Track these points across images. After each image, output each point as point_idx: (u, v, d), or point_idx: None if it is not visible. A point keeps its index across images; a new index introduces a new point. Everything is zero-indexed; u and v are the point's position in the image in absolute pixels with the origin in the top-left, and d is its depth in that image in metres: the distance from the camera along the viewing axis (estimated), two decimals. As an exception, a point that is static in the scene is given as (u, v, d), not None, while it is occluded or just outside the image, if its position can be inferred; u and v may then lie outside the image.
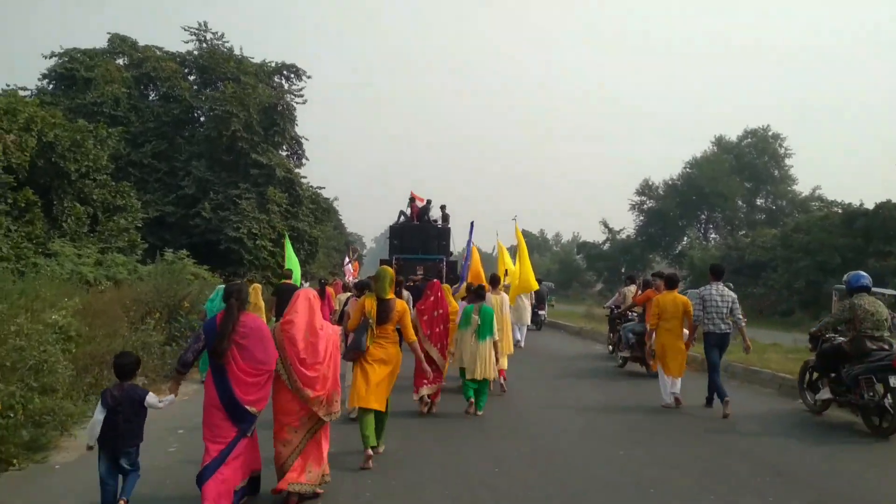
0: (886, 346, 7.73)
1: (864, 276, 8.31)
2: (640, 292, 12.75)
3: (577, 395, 10.32)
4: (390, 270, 6.68)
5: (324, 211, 28.40)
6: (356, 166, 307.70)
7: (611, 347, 14.69)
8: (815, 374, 8.82)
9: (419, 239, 22.31)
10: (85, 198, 17.88)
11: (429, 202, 23.51)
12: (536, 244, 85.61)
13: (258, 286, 12.82)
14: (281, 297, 13.38)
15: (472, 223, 16.05)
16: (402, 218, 23.64)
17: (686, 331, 9.48)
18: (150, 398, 4.86)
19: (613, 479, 6.05)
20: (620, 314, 13.92)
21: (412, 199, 23.54)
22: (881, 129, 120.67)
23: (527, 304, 15.77)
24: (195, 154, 24.85)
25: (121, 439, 4.73)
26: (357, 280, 13.29)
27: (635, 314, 13.13)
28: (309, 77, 29.29)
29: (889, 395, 7.39)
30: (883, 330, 7.88)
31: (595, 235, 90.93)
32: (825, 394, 8.40)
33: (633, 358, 12.64)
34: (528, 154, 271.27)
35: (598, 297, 45.86)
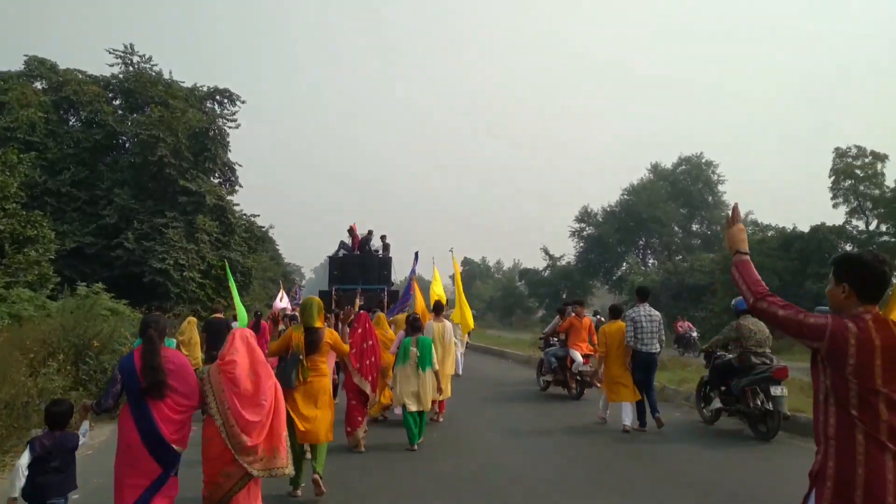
0: (768, 361, 8.82)
1: (741, 301, 8.78)
2: (560, 321, 13.32)
3: (512, 419, 10.60)
4: (317, 299, 6.52)
5: (258, 240, 27.22)
6: (294, 195, 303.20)
7: (543, 384, 13.96)
8: (708, 388, 9.77)
9: (360, 269, 21.97)
10: (-10, 228, 16.44)
11: (370, 232, 23.35)
12: (479, 271, 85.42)
13: (193, 320, 11.73)
14: (211, 333, 12.70)
15: (416, 253, 16.29)
16: (343, 248, 23.23)
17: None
18: (81, 440, 4.68)
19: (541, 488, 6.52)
20: (545, 339, 14.20)
21: (352, 230, 23.23)
22: (806, 157, 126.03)
23: (460, 333, 15.08)
24: (118, 181, 23.51)
25: (50, 490, 4.45)
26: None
27: (556, 340, 13.43)
28: (243, 102, 28.33)
29: (770, 403, 8.48)
30: (765, 347, 8.98)
31: (537, 262, 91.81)
32: (716, 404, 9.41)
33: (555, 381, 13.03)
34: (468, 187, 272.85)
35: (540, 324, 45.66)
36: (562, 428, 9.68)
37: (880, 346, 2.62)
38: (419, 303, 13.54)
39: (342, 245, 23.25)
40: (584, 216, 57.99)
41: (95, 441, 5.56)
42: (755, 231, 47.88)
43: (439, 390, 9.05)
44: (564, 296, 59.46)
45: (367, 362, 8.29)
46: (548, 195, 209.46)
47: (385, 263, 22.47)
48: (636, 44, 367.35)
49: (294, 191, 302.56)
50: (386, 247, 23.17)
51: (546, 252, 61.38)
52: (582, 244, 57.74)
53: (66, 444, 4.58)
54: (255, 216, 27.30)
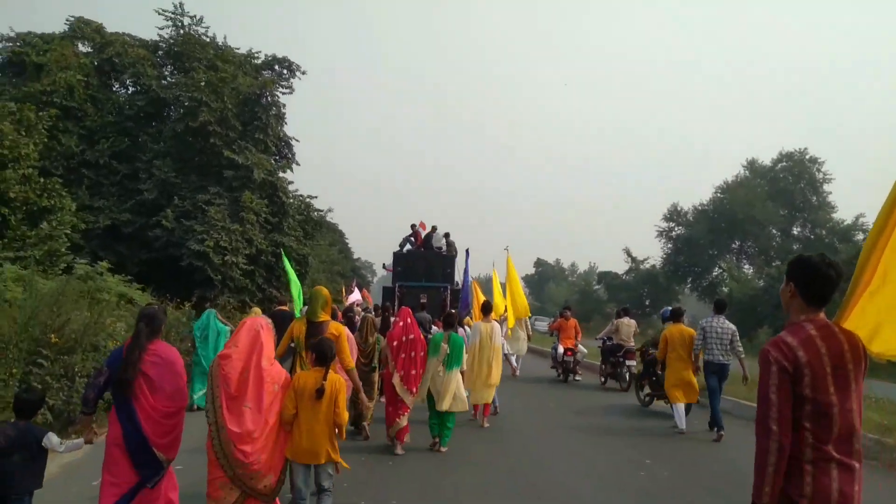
0: (626, 346, 13.39)
1: (669, 309, 11.70)
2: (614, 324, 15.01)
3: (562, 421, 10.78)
4: (324, 290, 6.20)
5: (315, 225, 24.08)
6: (363, 187, 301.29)
7: (603, 379, 15.33)
8: (642, 379, 12.41)
9: (423, 266, 21.65)
10: (-2, 195, 13.77)
11: (433, 229, 22.75)
12: (553, 273, 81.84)
13: (258, 310, 9.93)
14: (275, 326, 10.21)
15: (466, 251, 16.40)
16: (407, 245, 22.81)
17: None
18: (51, 438, 4.33)
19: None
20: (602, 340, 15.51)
21: (415, 226, 22.90)
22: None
23: (522, 334, 16.03)
24: (160, 153, 20.76)
25: (10, 484, 4.19)
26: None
27: (607, 340, 15.13)
28: (304, 73, 25.29)
29: (627, 369, 13.30)
30: (629, 339, 13.83)
31: (615, 266, 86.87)
32: (647, 390, 12.22)
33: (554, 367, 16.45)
34: (544, 183, 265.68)
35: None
36: (622, 431, 10.11)
37: (827, 355, 2.68)
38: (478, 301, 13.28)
39: (406, 241, 22.84)
40: (674, 215, 53.37)
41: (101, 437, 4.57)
42: (866, 237, 42.55)
43: (481, 396, 9.53)
44: (648, 302, 55.37)
45: (403, 356, 8.09)
46: (631, 193, 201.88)
47: (449, 261, 22.05)
48: (739, 26, 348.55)
49: (365, 178, 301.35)
50: (450, 245, 22.70)
51: (628, 254, 57.27)
52: (670, 245, 53.11)
53: (28, 437, 4.29)
54: (311, 197, 24.17)
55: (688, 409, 9.99)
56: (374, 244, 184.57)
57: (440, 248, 22.70)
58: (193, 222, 18.63)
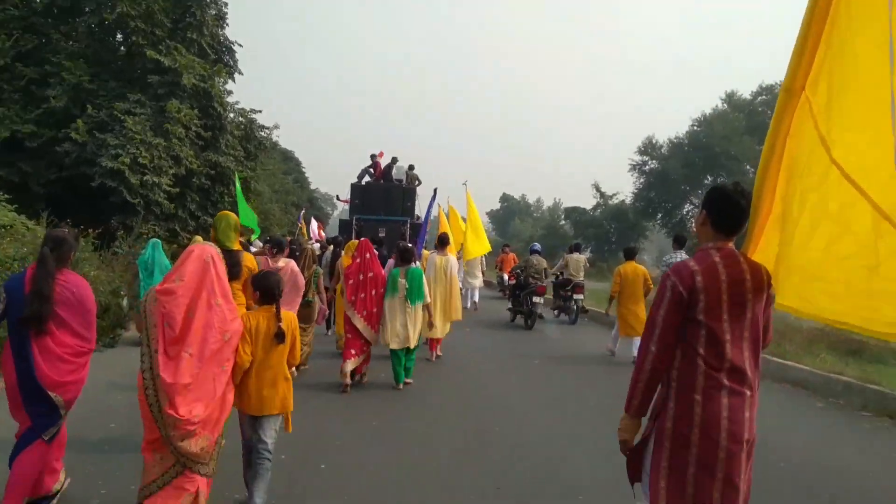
0: (537, 283, 14.23)
1: (536, 245, 16.08)
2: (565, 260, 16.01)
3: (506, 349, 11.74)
4: (231, 214, 5.44)
5: (259, 144, 21.13)
6: (323, 115, 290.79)
7: (556, 311, 16.16)
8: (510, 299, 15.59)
9: (382, 199, 21.36)
10: None
11: (393, 160, 22.37)
12: (518, 209, 79.81)
13: (199, 239, 9.07)
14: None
15: (434, 190, 16.24)
16: (366, 176, 22.18)
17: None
18: None
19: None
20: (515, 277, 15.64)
21: (374, 157, 22.24)
22: None
23: (478, 271, 17.07)
24: (73, 54, 17.53)
25: None
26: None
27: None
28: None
29: (533, 306, 14.13)
30: (540, 275, 14.46)
31: (583, 202, 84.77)
32: (555, 304, 15.97)
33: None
34: (508, 112, 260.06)
35: (587, 266, 39.67)
36: (563, 358, 10.91)
37: (726, 282, 2.68)
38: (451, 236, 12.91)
39: (365, 171, 22.10)
40: (648, 148, 50.99)
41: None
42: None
43: (430, 325, 8.73)
44: (614, 239, 53.77)
45: (362, 295, 7.89)
46: (602, 126, 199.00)
47: (409, 194, 21.66)
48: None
49: (325, 112, 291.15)
50: (413, 177, 22.26)
51: (597, 189, 54.95)
52: (642, 180, 51.01)
53: None
54: (255, 112, 21.08)
55: None
56: (334, 175, 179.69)
57: (400, 181, 22.52)
58: (109, 135, 15.66)
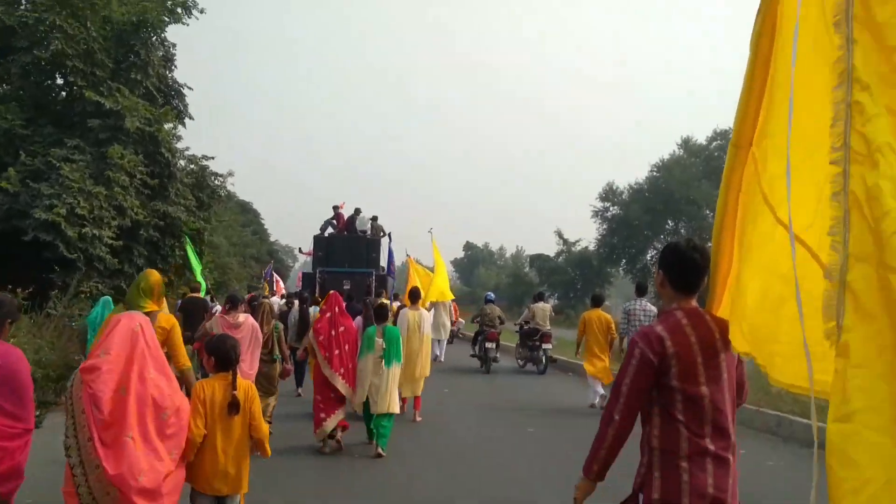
0: (490, 330, 15.42)
1: (490, 295, 18.02)
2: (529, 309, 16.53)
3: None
4: (153, 274, 4.91)
5: (212, 192, 19.75)
6: (282, 166, 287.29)
7: (521, 362, 16.16)
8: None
9: (346, 251, 20.98)
10: None
11: (356, 210, 22.13)
12: (482, 257, 79.29)
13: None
14: (186, 318, 9.73)
15: (389, 234, 16.76)
16: (329, 228, 21.85)
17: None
18: None
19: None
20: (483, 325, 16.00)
21: (337, 208, 21.95)
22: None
23: (446, 319, 16.51)
24: (5, 97, 16.12)
25: None
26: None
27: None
28: (202, 12, 20.72)
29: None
30: (493, 322, 15.60)
31: (544, 248, 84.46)
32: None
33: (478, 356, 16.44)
34: (474, 163, 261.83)
35: (553, 315, 38.89)
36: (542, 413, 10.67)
37: (697, 344, 2.61)
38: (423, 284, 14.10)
39: (328, 223, 21.76)
40: (609, 194, 51.04)
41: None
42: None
43: (409, 389, 8.88)
44: (579, 285, 53.33)
45: (337, 352, 7.56)
46: (561, 175, 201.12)
47: (374, 245, 21.41)
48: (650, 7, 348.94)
49: (287, 167, 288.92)
50: (377, 228, 21.94)
51: (559, 236, 54.75)
52: (605, 226, 50.82)
53: None
54: (207, 158, 19.71)
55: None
56: (295, 227, 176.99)
57: (364, 232, 22.21)
58: (44, 184, 14.18)
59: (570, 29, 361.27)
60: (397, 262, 22.16)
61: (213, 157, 19.63)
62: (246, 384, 3.98)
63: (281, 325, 8.29)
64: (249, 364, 6.70)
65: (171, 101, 19.11)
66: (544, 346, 14.84)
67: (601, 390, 10.56)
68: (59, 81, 16.62)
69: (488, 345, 15.26)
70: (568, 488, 4.41)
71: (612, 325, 10.85)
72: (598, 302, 11.49)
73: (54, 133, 15.74)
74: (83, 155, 14.92)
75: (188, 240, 17.83)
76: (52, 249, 14.02)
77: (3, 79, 16.74)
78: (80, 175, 14.19)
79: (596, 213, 51.27)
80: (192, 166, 19.17)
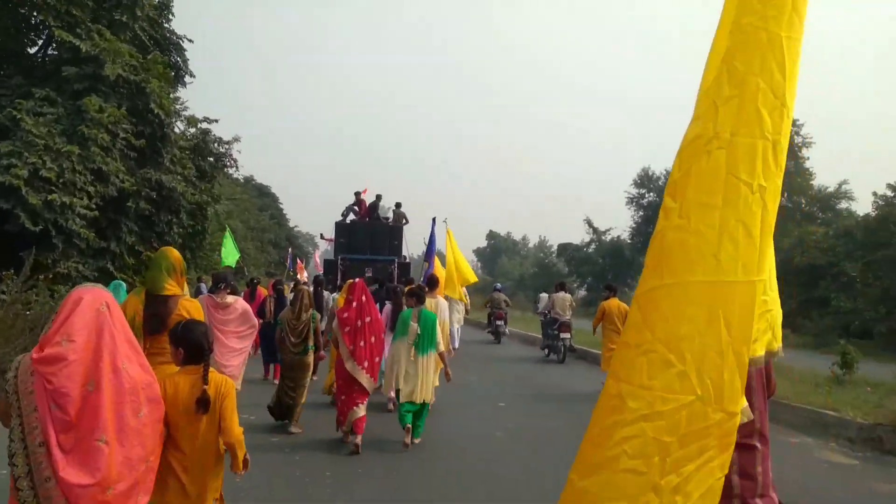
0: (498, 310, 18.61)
1: (498, 285, 22.12)
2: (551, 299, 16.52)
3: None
4: (173, 252, 4.55)
5: (216, 160, 17.11)
6: (302, 150, 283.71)
7: (546, 351, 16.13)
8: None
9: (368, 238, 20.64)
10: None
11: (378, 197, 21.63)
12: (505, 246, 76.67)
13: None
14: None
15: (433, 219, 16.00)
16: (351, 215, 21.36)
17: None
18: None
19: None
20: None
21: (359, 194, 21.44)
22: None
23: (461, 306, 16.18)
24: (-31, 42, 13.62)
25: None
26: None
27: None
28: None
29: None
30: (500, 306, 18.64)
31: (569, 238, 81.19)
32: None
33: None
34: (494, 145, 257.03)
35: (584, 306, 36.46)
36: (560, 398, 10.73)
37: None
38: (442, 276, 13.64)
39: (349, 209, 21.26)
40: (645, 180, 48.00)
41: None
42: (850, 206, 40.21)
43: (447, 375, 7.80)
44: (610, 276, 50.68)
45: (362, 343, 7.09)
46: (587, 161, 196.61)
47: (396, 232, 21.04)
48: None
49: (305, 153, 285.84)
50: (400, 215, 21.58)
51: (589, 224, 51.83)
52: (640, 214, 47.87)
53: None
54: (210, 121, 17.04)
55: None
56: (315, 214, 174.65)
57: (387, 219, 22.13)
58: (5, 143, 11.62)
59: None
60: (416, 252, 22.19)
61: (216, 120, 17.02)
62: (220, 379, 3.37)
63: (318, 315, 7.97)
64: (238, 351, 6.21)
65: (168, 55, 16.46)
66: (563, 335, 15.06)
67: None
68: (32, 23, 14.01)
69: (498, 322, 19.27)
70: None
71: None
72: (612, 291, 11.89)
73: (24, 84, 13.19)
74: (54, 108, 12.32)
75: (229, 230, 17.53)
76: (12, 221, 11.48)
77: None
78: (46, 130, 11.58)
79: (631, 200, 48.31)
80: (191, 130, 16.52)
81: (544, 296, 17.81)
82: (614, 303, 11.22)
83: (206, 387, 3.21)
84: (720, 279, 2.13)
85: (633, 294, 2.61)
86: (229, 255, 17.00)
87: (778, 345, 2.73)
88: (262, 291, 12.03)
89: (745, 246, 2.14)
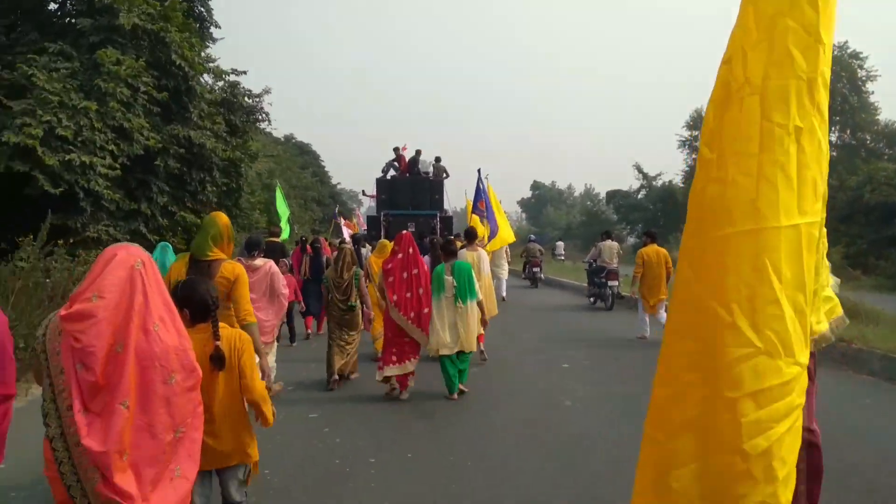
0: (534, 259, 20.99)
1: (532, 236, 25.40)
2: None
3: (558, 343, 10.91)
4: (222, 217, 4.46)
5: (246, 115, 16.28)
6: (340, 106, 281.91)
7: (592, 299, 16.05)
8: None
9: (409, 193, 20.80)
10: None
11: (417, 152, 21.80)
12: (551, 196, 75.10)
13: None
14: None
15: (479, 171, 15.63)
16: (391, 170, 21.67)
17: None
18: None
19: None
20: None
21: (398, 150, 21.67)
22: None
23: (504, 261, 16.23)
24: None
25: None
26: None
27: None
28: None
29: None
30: (535, 255, 21.25)
31: (616, 185, 78.84)
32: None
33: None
34: (537, 100, 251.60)
35: (632, 254, 35.28)
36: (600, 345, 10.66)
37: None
38: (479, 229, 13.45)
39: (389, 165, 21.49)
40: (698, 121, 45.78)
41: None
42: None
43: (484, 323, 8.04)
44: (662, 222, 49.00)
45: (408, 294, 7.10)
46: (632, 104, 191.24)
47: (437, 187, 21.16)
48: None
49: (342, 103, 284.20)
50: (440, 169, 21.71)
51: (639, 170, 50.10)
52: (693, 156, 45.86)
53: None
54: (238, 73, 16.16)
55: None
56: (355, 169, 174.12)
57: (427, 174, 22.20)
58: (20, 101, 10.93)
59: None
60: (458, 206, 22.49)
61: (244, 72, 16.08)
62: (233, 335, 3.30)
63: (361, 272, 7.98)
64: (265, 312, 6.13)
65: (191, 2, 15.52)
66: (610, 283, 15.07)
67: (661, 318, 10.64)
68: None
69: (535, 269, 21.04)
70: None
71: (668, 260, 11.03)
72: (653, 237, 11.75)
73: (39, 40, 12.45)
74: (69, 63, 11.56)
75: (279, 186, 17.19)
76: (31, 184, 10.86)
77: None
78: (61, 86, 10.83)
79: (683, 143, 46.35)
80: (219, 83, 15.67)
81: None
82: (652, 249, 11.17)
83: (217, 343, 3.15)
84: (761, 226, 2.08)
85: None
86: (284, 213, 16.85)
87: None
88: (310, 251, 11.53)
89: (784, 189, 2.09)
